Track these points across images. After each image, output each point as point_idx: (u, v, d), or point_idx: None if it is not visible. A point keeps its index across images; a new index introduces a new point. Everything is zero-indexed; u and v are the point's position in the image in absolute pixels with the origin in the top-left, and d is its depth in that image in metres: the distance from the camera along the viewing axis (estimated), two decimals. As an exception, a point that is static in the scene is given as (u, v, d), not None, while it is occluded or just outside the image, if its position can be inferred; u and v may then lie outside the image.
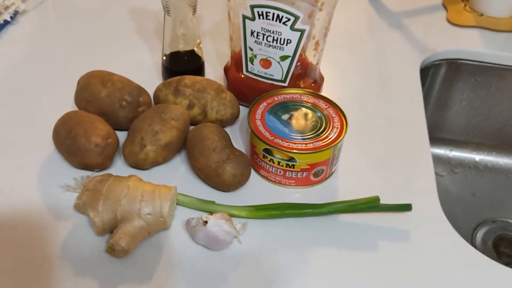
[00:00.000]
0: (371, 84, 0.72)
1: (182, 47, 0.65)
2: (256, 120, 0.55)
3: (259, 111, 0.57)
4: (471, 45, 0.81)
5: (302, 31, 0.56)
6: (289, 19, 0.55)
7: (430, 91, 0.85)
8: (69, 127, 0.53)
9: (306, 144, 0.52)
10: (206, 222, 0.46)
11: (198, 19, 0.63)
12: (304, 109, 0.57)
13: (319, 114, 0.56)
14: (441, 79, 0.83)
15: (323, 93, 0.66)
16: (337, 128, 0.55)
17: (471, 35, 0.83)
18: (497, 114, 0.86)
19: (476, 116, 0.87)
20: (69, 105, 0.63)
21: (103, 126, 0.54)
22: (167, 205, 0.47)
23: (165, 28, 0.63)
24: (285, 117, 0.56)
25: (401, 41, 0.81)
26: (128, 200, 0.47)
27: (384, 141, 0.63)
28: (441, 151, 0.90)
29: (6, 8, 0.76)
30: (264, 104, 0.58)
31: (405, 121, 0.66)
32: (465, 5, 0.89)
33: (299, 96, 0.59)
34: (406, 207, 0.52)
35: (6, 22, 0.77)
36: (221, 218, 0.47)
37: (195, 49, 0.65)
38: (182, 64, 0.66)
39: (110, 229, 0.48)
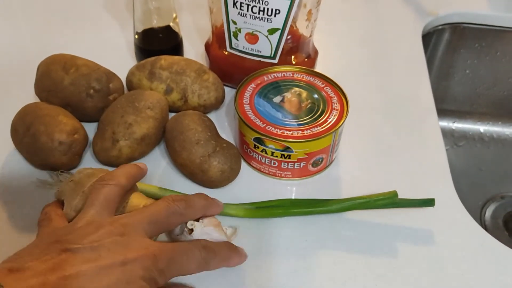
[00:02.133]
0: (370, 55, 0.65)
1: (156, 23, 0.57)
2: (245, 105, 0.48)
3: (247, 94, 0.49)
4: (475, 6, 0.74)
5: (292, 0, 0.48)
6: (277, -14, 0.47)
7: (432, 60, 0.78)
8: (27, 122, 0.46)
9: (303, 130, 0.46)
10: (191, 230, 0.40)
11: (172, -11, 0.55)
12: (298, 89, 0.50)
13: (315, 94, 0.49)
14: (444, 45, 0.76)
15: (318, 68, 0.59)
16: (336, 110, 0.48)
17: (474, -5, 0.76)
18: (504, 81, 0.79)
19: (481, 84, 0.80)
20: (30, 96, 0.55)
21: (67, 120, 0.46)
22: None
23: (135, 3, 0.55)
24: (277, 99, 0.49)
25: (400, 5, 0.74)
26: None
27: (388, 119, 0.56)
28: (443, 123, 0.84)
29: (-46, -14, 0.67)
30: (253, 85, 0.50)
31: (410, 96, 0.59)
32: (466, -37, 0.82)
33: (291, 75, 0.52)
34: (428, 202, 0.45)
35: (-44, 2, 0.69)
36: (209, 225, 0.40)
37: (171, 24, 0.58)
38: (157, 42, 0.58)
39: None
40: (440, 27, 0.74)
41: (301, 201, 0.45)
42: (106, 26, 0.68)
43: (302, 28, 0.53)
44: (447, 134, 0.84)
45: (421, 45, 0.66)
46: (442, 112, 0.84)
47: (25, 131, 0.46)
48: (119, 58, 0.62)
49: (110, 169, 0.48)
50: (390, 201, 0.44)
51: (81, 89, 0.49)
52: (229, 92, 0.58)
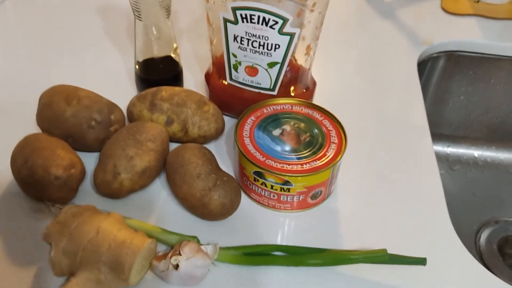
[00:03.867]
0: (366, 83, 0.66)
1: (156, 52, 0.57)
2: (244, 138, 0.49)
3: (247, 127, 0.50)
4: (469, 35, 0.76)
5: (291, 35, 0.49)
6: (276, 22, 0.48)
7: (427, 85, 0.80)
8: (26, 155, 0.46)
9: (302, 164, 0.46)
10: (177, 265, 0.40)
11: (173, 17, 0.55)
12: (297, 122, 0.51)
13: (314, 127, 0.50)
14: (439, 72, 0.78)
15: (316, 96, 0.60)
16: (335, 143, 0.49)
17: (468, 24, 0.78)
18: (497, 107, 0.81)
19: (475, 110, 0.82)
20: (31, 125, 0.56)
21: (65, 153, 0.47)
22: (133, 264, 0.40)
23: (136, 33, 0.56)
24: (276, 132, 0.50)
25: (396, 33, 0.75)
26: (93, 246, 0.40)
27: (384, 149, 0.57)
28: (438, 147, 0.85)
29: (-44, 12, 0.68)
30: (252, 118, 0.51)
31: (405, 125, 0.60)
32: (460, -9, 0.83)
33: (290, 107, 0.53)
34: (420, 262, 0.44)
35: (-43, 28, 0.69)
36: (191, 255, 0.40)
37: (172, 54, 0.58)
38: (158, 72, 0.59)
39: (69, 272, 0.41)
40: (435, 54, 0.75)
41: (291, 249, 0.45)
42: (107, 54, 0.68)
43: (301, 61, 0.54)
44: (442, 159, 0.85)
45: (416, 74, 0.68)
46: (437, 136, 0.85)
47: (23, 163, 0.46)
48: (119, 87, 0.63)
49: (108, 202, 0.49)
50: (380, 259, 0.43)
51: (83, 121, 0.50)
52: (229, 121, 0.59)
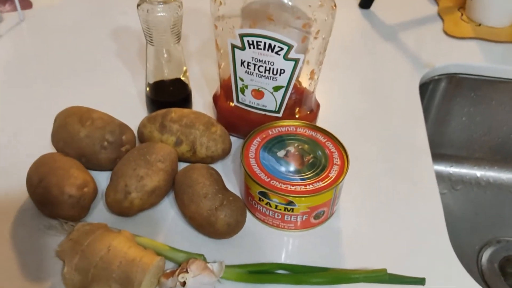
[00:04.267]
0: (369, 105, 0.68)
1: (167, 75, 0.60)
2: (250, 159, 0.51)
3: (252, 148, 0.52)
4: (470, 58, 0.78)
5: (296, 61, 0.52)
6: (282, 49, 0.51)
7: (429, 106, 0.81)
8: (41, 174, 0.49)
9: (306, 185, 0.48)
10: (184, 282, 0.42)
11: (183, 40, 0.58)
12: (301, 144, 0.53)
13: (317, 149, 0.52)
14: (441, 94, 0.79)
15: (319, 118, 0.62)
16: (337, 165, 0.50)
17: (469, 47, 0.80)
18: (499, 128, 0.82)
19: (477, 130, 0.83)
20: (47, 144, 0.58)
21: (78, 173, 0.49)
22: (143, 281, 0.41)
23: (147, 56, 0.58)
24: (281, 153, 0.52)
25: (398, 56, 0.77)
26: (104, 263, 0.42)
27: (385, 170, 0.59)
28: (441, 167, 0.86)
29: (-24, 34, 0.71)
30: (258, 139, 0.53)
31: (407, 146, 0.62)
32: (462, 15, 0.86)
33: (294, 129, 0.55)
34: (419, 282, 0.45)
35: (-24, 50, 0.72)
36: (198, 273, 0.42)
37: (182, 77, 0.61)
38: (168, 94, 0.61)
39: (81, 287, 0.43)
40: (436, 77, 0.77)
41: (295, 268, 0.47)
42: (119, 75, 0.71)
43: (305, 84, 0.56)
44: (445, 178, 0.86)
45: (418, 97, 0.69)
46: (440, 156, 0.86)
47: (38, 182, 0.48)
48: (130, 107, 0.65)
49: (118, 220, 0.51)
50: (380, 279, 0.44)
51: (96, 141, 0.52)
52: (235, 141, 0.61)
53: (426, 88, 0.78)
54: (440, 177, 0.86)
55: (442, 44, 0.80)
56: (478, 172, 0.86)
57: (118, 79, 0.70)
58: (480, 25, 0.83)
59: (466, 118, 0.82)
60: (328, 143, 0.53)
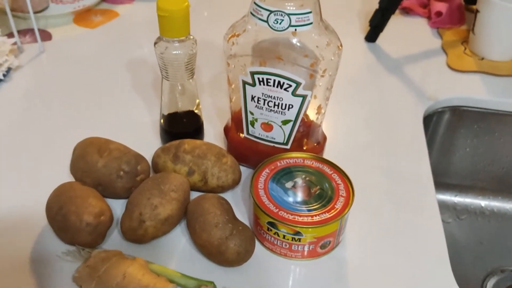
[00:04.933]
0: (374, 137, 0.71)
1: (180, 107, 0.63)
2: (259, 190, 0.53)
3: (261, 179, 0.55)
4: (473, 91, 0.80)
5: (304, 97, 0.54)
6: (290, 85, 0.53)
7: (434, 137, 0.84)
8: (61, 202, 0.51)
9: (312, 216, 0.50)
10: None
11: (195, 72, 0.61)
12: (308, 176, 0.55)
13: (324, 181, 0.54)
14: (445, 125, 0.82)
15: (326, 150, 0.64)
16: (343, 196, 0.53)
17: (472, 80, 0.82)
18: (502, 159, 0.84)
19: (481, 161, 0.85)
20: (65, 172, 0.61)
21: (96, 202, 0.51)
22: None
23: (163, 90, 0.61)
24: (288, 185, 0.54)
25: (403, 89, 0.80)
26: None
27: (390, 201, 0.61)
28: (446, 196, 0.88)
29: (-1, 66, 0.75)
30: (267, 170, 0.56)
31: (410, 177, 0.64)
32: (465, 49, 0.88)
33: (302, 161, 0.57)
34: None
35: (-1, 80, 0.76)
36: None
37: (195, 110, 0.64)
38: (181, 126, 0.64)
39: None
40: (440, 109, 0.79)
41: None
42: (134, 105, 0.74)
43: (313, 118, 0.59)
44: (450, 207, 0.88)
45: (422, 129, 0.72)
46: (445, 185, 0.88)
47: (58, 210, 0.51)
48: (145, 136, 0.68)
49: (133, 246, 0.53)
50: None
51: (112, 171, 0.55)
52: (245, 171, 0.63)
53: (430, 120, 0.81)
54: (445, 206, 0.88)
55: (445, 77, 0.83)
56: (483, 202, 0.87)
57: (134, 109, 0.73)
58: (482, 59, 0.86)
59: (470, 149, 0.84)
60: (334, 175, 0.55)
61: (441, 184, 0.88)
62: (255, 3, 0.50)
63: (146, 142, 0.67)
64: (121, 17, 0.95)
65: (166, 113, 0.63)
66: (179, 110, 0.63)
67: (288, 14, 0.49)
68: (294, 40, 0.51)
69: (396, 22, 0.95)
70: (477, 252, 0.83)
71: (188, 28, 0.56)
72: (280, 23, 0.49)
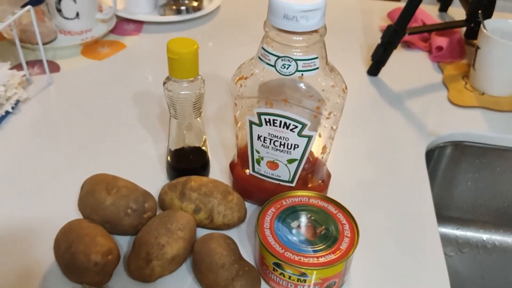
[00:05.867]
0: (376, 173, 0.71)
1: (187, 143, 0.64)
2: (265, 230, 0.54)
3: (267, 218, 0.55)
4: (475, 126, 0.81)
5: (309, 137, 0.55)
6: (296, 126, 0.54)
7: (435, 171, 0.85)
8: (69, 240, 0.52)
9: (318, 257, 0.51)
10: None
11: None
12: (313, 215, 0.56)
13: (329, 220, 0.55)
14: (446, 160, 0.83)
15: (330, 187, 0.65)
16: (348, 237, 0.53)
17: (474, 115, 0.84)
18: (504, 193, 0.85)
19: (482, 195, 0.86)
20: (73, 207, 0.62)
21: (104, 240, 0.52)
22: None
23: (170, 127, 0.62)
24: (294, 224, 0.55)
25: (405, 123, 0.81)
26: None
27: (394, 239, 0.61)
28: (447, 230, 0.89)
29: (8, 99, 0.76)
30: (273, 209, 0.56)
31: (414, 214, 0.65)
32: (466, 83, 0.90)
33: (307, 199, 0.58)
34: None
35: (7, 113, 0.77)
36: None
37: (201, 146, 0.65)
38: (188, 162, 0.65)
39: None
40: (442, 144, 0.80)
41: None
42: (141, 138, 0.75)
43: (318, 157, 0.60)
44: (452, 241, 0.88)
45: (424, 165, 0.73)
46: (447, 219, 0.89)
47: (66, 248, 0.52)
48: (151, 171, 0.69)
49: (139, 285, 0.53)
50: None
51: (120, 209, 0.56)
52: (250, 207, 0.64)
53: (432, 154, 0.82)
54: (447, 239, 0.88)
55: (447, 112, 0.84)
56: (484, 235, 0.88)
57: (140, 142, 0.74)
58: (483, 94, 0.87)
59: (471, 183, 0.85)
60: (339, 215, 0.56)
61: (443, 217, 0.88)
62: (263, 48, 0.51)
63: (153, 176, 0.68)
64: (128, 48, 0.97)
65: (173, 149, 0.64)
66: (186, 147, 0.64)
67: (295, 60, 0.50)
68: (301, 84, 0.52)
69: (398, 56, 0.97)
70: (479, 285, 0.83)
71: (197, 69, 0.57)
72: (287, 68, 0.51)
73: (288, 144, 0.56)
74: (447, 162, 0.83)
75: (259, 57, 0.52)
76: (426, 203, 0.67)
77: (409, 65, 0.97)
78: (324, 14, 0.49)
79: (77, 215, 0.60)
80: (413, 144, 0.77)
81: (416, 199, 0.67)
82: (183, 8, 1.05)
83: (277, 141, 0.57)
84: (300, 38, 0.49)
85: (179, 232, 0.53)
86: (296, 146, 0.56)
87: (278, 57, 0.50)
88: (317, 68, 0.51)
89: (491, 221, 0.88)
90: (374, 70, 0.92)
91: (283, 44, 0.50)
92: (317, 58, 0.51)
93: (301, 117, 0.54)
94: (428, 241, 0.61)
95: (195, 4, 1.06)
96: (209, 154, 0.68)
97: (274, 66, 0.51)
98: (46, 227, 0.59)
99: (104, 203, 0.56)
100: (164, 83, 0.58)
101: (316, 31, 0.50)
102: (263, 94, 0.55)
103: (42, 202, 0.64)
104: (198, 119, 0.61)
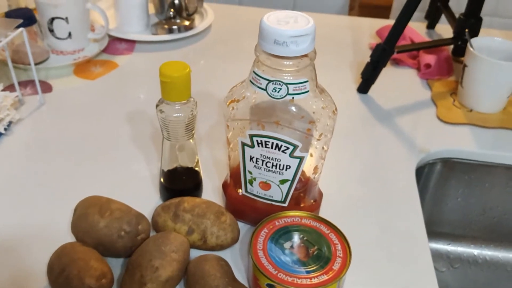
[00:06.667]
0: (368, 190, 0.72)
1: (180, 164, 0.64)
2: (258, 251, 0.54)
3: (260, 239, 0.56)
4: (463, 143, 0.83)
5: (301, 158, 0.56)
6: (288, 148, 0.55)
7: (426, 187, 0.86)
8: (63, 264, 0.52)
9: (311, 278, 0.51)
10: None
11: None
12: (306, 235, 0.56)
13: (321, 240, 0.55)
14: (436, 176, 0.84)
15: (322, 204, 0.66)
16: (340, 257, 0.54)
17: (462, 132, 0.85)
18: (493, 208, 0.86)
19: (472, 210, 0.87)
20: (66, 230, 0.62)
21: (98, 264, 0.52)
22: None
23: (163, 148, 0.63)
24: (287, 245, 0.55)
25: (395, 141, 0.82)
26: None
27: (386, 257, 0.62)
28: (439, 245, 0.89)
29: (1, 120, 0.76)
30: (265, 230, 0.57)
31: (405, 232, 0.66)
32: (454, 100, 0.92)
33: (299, 220, 0.58)
34: None
35: (0, 134, 0.77)
36: None
37: (194, 167, 0.65)
38: (181, 182, 0.65)
39: None
40: (431, 161, 0.82)
41: None
42: (134, 158, 0.75)
43: (310, 177, 0.61)
44: (443, 256, 0.89)
45: (414, 183, 0.74)
46: (438, 234, 0.90)
47: (60, 272, 0.52)
48: (144, 191, 0.69)
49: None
50: None
51: (114, 231, 0.56)
52: (243, 227, 0.64)
53: (422, 171, 0.83)
54: (438, 255, 0.89)
55: (436, 129, 0.85)
56: (475, 251, 0.89)
57: (133, 162, 0.75)
58: (471, 110, 0.89)
59: (461, 199, 0.86)
60: (331, 235, 0.56)
61: (434, 233, 0.89)
62: (254, 72, 0.52)
63: (146, 196, 0.68)
64: (120, 67, 0.98)
65: (166, 169, 0.65)
66: (178, 167, 0.64)
67: (286, 84, 0.51)
68: (292, 107, 0.53)
69: (387, 73, 0.98)
70: (472, 301, 0.84)
71: (189, 91, 0.58)
72: (278, 92, 0.52)
73: (280, 165, 0.57)
74: (437, 178, 0.84)
75: (250, 81, 0.53)
76: (417, 220, 0.68)
77: (398, 82, 0.99)
78: (314, 39, 0.50)
79: (70, 238, 0.60)
80: (403, 161, 0.78)
81: (407, 216, 0.68)
82: (175, 27, 1.06)
83: (269, 162, 0.57)
84: (291, 63, 0.50)
85: (173, 254, 0.54)
86: (288, 167, 0.57)
87: (269, 81, 0.51)
88: (308, 91, 0.52)
89: (482, 236, 0.89)
90: (364, 87, 0.93)
91: (274, 68, 0.51)
92: (307, 81, 0.52)
93: (292, 139, 0.55)
94: (420, 257, 0.62)
95: (186, 23, 1.07)
96: (202, 174, 0.68)
97: (265, 89, 0.52)
98: (40, 249, 0.59)
99: (97, 226, 0.56)
100: (157, 106, 0.59)
101: (306, 55, 0.51)
102: (255, 116, 0.56)
103: (35, 224, 0.64)
104: (191, 140, 0.62)
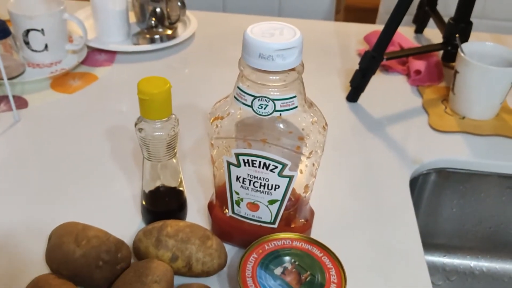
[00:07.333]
0: (361, 205, 0.69)
1: (162, 184, 0.61)
2: (247, 279, 0.51)
3: (249, 265, 0.52)
4: (457, 152, 0.80)
5: (290, 177, 0.53)
6: (276, 167, 0.52)
7: (420, 199, 0.83)
8: (37, 301, 0.48)
9: (304, 308, 0.48)
10: None
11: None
12: (298, 259, 0.53)
13: (314, 265, 0.52)
14: (430, 187, 0.81)
15: (314, 222, 0.62)
16: (334, 283, 0.50)
17: (455, 140, 0.82)
18: (489, 218, 0.84)
19: (468, 221, 0.84)
20: (39, 260, 0.58)
21: (74, 299, 0.48)
22: None
23: (144, 168, 0.59)
24: (278, 271, 0.52)
25: (387, 152, 0.79)
26: None
27: (380, 274, 0.59)
28: (434, 257, 0.87)
29: (-28, 140, 0.72)
30: (255, 255, 0.53)
31: (400, 249, 0.62)
32: (446, 107, 0.89)
33: (290, 242, 0.55)
34: None
35: (-29, 155, 0.73)
36: None
37: (177, 187, 0.61)
38: (164, 204, 0.61)
39: None
40: (425, 171, 0.79)
41: None
42: (114, 177, 0.71)
43: (301, 195, 0.57)
44: (439, 269, 0.86)
45: (409, 196, 0.71)
46: (434, 246, 0.87)
47: (34, 308, 0.48)
48: (125, 213, 0.65)
49: None
50: None
51: (91, 261, 0.52)
52: (230, 250, 0.60)
53: (416, 182, 0.80)
54: (434, 268, 0.86)
55: (428, 138, 0.83)
56: (472, 262, 0.86)
57: (114, 181, 0.71)
58: (464, 118, 0.86)
59: (456, 210, 0.83)
60: (324, 258, 0.53)
61: (429, 245, 0.87)
62: (238, 88, 0.49)
63: (128, 218, 0.64)
64: (100, 80, 0.94)
65: (147, 191, 0.61)
66: (161, 188, 0.61)
67: (273, 100, 0.48)
68: (279, 124, 0.50)
69: (376, 80, 0.95)
70: (470, 315, 0.81)
71: (170, 108, 0.54)
72: (264, 108, 0.48)
73: (268, 185, 0.54)
74: (431, 189, 0.81)
75: (234, 97, 0.50)
76: (412, 233, 0.65)
77: (388, 89, 0.96)
78: (301, 51, 0.47)
79: (45, 268, 0.56)
80: (396, 173, 0.75)
81: (401, 229, 0.65)
82: (157, 36, 1.02)
83: (257, 182, 0.54)
84: (277, 77, 0.47)
85: (154, 285, 0.50)
86: (277, 186, 0.54)
87: (255, 97, 0.48)
88: (296, 107, 0.49)
89: (478, 246, 0.86)
90: (353, 96, 0.91)
91: (259, 83, 0.47)
92: (295, 96, 0.48)
93: (281, 157, 0.51)
94: (416, 271, 0.59)
95: (169, 32, 1.03)
96: (186, 193, 0.64)
97: (251, 106, 0.49)
98: (12, 281, 0.55)
99: (73, 256, 0.52)
100: (136, 124, 0.55)
101: (293, 69, 0.47)
102: (241, 133, 0.53)
103: (7, 252, 0.59)
104: (173, 159, 0.58)
